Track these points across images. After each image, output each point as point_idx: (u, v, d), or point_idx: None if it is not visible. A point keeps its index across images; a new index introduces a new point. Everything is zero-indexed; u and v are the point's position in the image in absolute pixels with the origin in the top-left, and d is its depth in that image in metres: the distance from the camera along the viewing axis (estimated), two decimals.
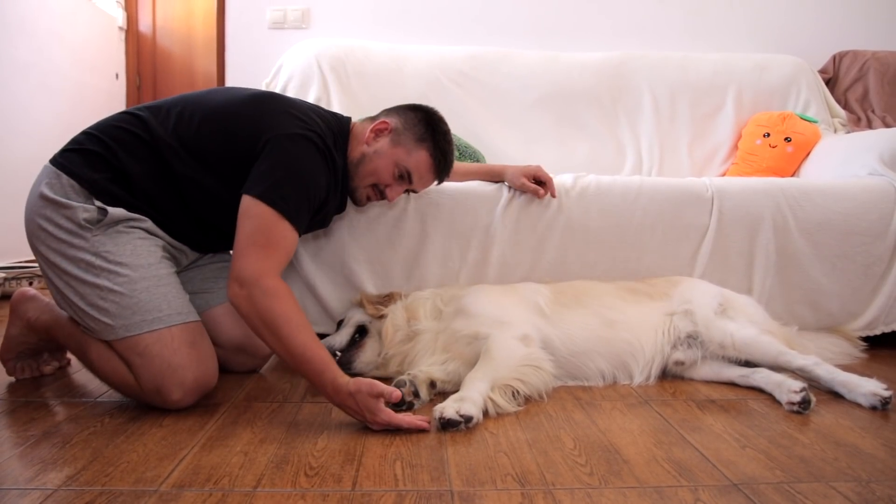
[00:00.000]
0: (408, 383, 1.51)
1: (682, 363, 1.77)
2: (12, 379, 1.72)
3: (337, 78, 2.80)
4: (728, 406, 1.57)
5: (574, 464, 1.22)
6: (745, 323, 1.78)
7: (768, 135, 2.77)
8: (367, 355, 1.77)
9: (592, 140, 2.92)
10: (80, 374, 1.77)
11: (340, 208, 1.77)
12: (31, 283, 2.91)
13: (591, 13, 3.36)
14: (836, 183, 2.18)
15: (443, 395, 1.55)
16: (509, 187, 2.01)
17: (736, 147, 2.92)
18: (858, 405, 1.55)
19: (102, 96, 3.92)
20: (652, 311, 1.82)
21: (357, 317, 1.85)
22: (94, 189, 1.48)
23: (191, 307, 1.53)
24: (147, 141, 1.52)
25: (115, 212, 1.47)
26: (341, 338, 1.81)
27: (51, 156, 1.55)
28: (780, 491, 1.12)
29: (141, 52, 4.24)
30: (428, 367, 1.63)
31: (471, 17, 3.34)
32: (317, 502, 1.06)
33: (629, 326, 1.77)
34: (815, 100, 2.99)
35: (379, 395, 1.33)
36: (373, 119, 1.71)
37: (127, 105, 4.12)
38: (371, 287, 1.99)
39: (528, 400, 1.55)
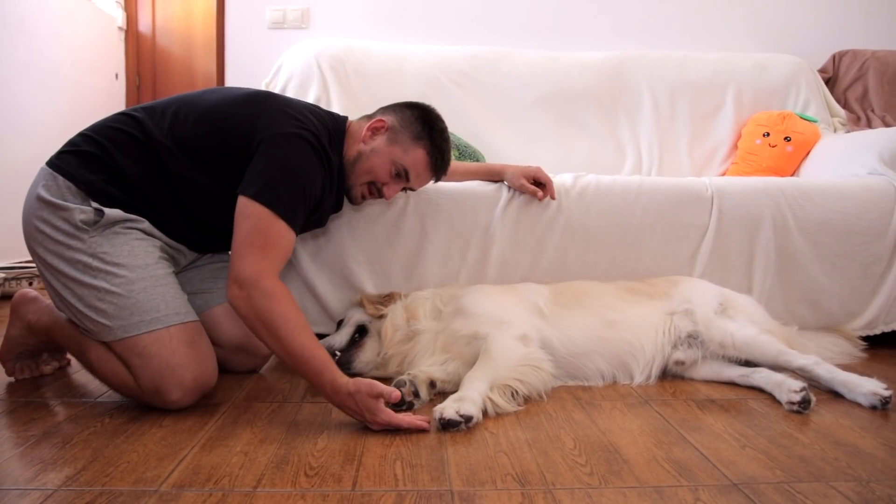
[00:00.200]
0: (407, 383, 1.51)
1: (683, 363, 1.77)
2: (12, 379, 1.72)
3: (337, 78, 2.80)
4: (728, 406, 1.57)
5: (574, 464, 1.22)
6: (745, 322, 1.78)
7: (768, 134, 2.77)
8: (366, 355, 1.77)
9: (592, 140, 2.92)
10: (79, 374, 1.77)
11: (337, 207, 1.77)
12: (31, 284, 2.92)
13: (591, 13, 3.36)
14: (836, 182, 2.18)
15: (442, 394, 1.55)
16: (509, 187, 2.01)
17: (736, 146, 2.92)
18: (858, 405, 1.55)
19: (102, 96, 3.92)
20: (652, 311, 1.82)
21: (357, 316, 1.85)
22: (91, 190, 1.48)
23: (189, 307, 1.53)
24: (143, 142, 1.52)
25: (112, 213, 1.47)
26: (341, 338, 1.81)
27: (49, 157, 1.55)
28: (780, 491, 1.12)
29: (141, 52, 4.23)
30: (428, 366, 1.63)
31: (470, 17, 3.34)
32: (317, 502, 1.06)
33: (629, 326, 1.76)
34: (814, 99, 2.99)
35: (378, 396, 1.33)
36: (369, 117, 1.71)
37: (126, 105, 4.12)
38: (371, 287, 1.99)
39: (527, 400, 1.55)
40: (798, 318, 2.07)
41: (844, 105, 3.15)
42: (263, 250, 1.41)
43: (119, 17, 4.12)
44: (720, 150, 2.94)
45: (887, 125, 3.00)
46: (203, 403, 1.52)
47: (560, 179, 2.05)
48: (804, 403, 1.51)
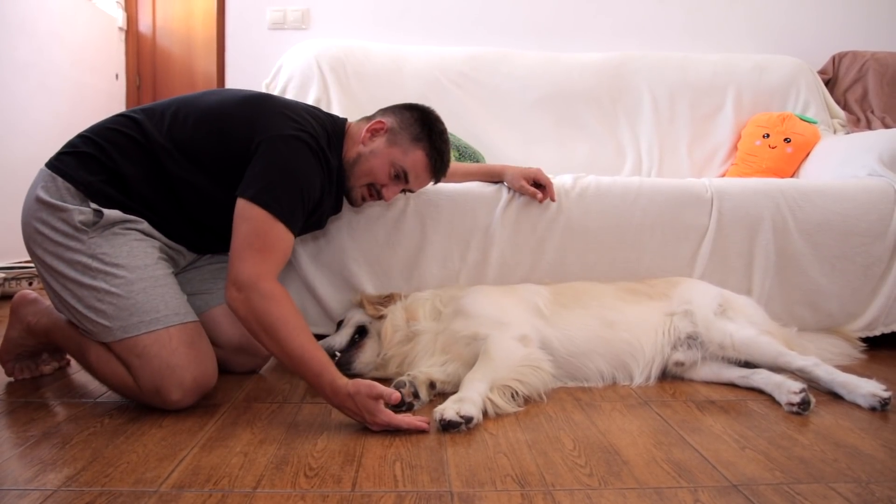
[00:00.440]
0: (407, 384, 1.51)
1: (682, 364, 1.77)
2: (11, 379, 1.72)
3: (337, 78, 2.80)
4: (728, 407, 1.57)
5: (574, 465, 1.22)
6: (744, 324, 1.78)
7: (768, 135, 2.77)
8: (366, 356, 1.77)
9: (592, 141, 2.92)
10: (79, 374, 1.77)
11: (336, 209, 1.77)
12: (30, 284, 2.92)
13: (590, 13, 3.36)
14: (836, 184, 2.18)
15: (442, 395, 1.55)
16: (509, 188, 2.01)
17: (735, 148, 2.92)
18: (858, 406, 1.55)
19: (102, 97, 3.92)
20: (652, 312, 1.82)
21: (357, 317, 1.85)
22: (90, 191, 1.48)
23: (188, 307, 1.53)
24: (142, 143, 1.52)
25: (111, 214, 1.47)
26: (341, 338, 1.81)
27: (49, 158, 1.55)
28: (780, 492, 1.12)
29: (141, 53, 4.24)
30: (427, 367, 1.63)
31: (471, 18, 3.34)
32: (316, 503, 1.06)
33: (629, 327, 1.77)
34: (814, 100, 2.99)
35: (378, 397, 1.33)
36: (369, 119, 1.71)
37: (127, 105, 4.12)
38: (370, 288, 1.99)
39: (527, 401, 1.55)
40: (798, 320, 2.07)
41: (844, 106, 3.15)
42: (262, 252, 1.41)
43: (119, 18, 4.12)
44: (720, 151, 2.94)
45: (887, 126, 3.00)
46: (203, 404, 1.52)
47: (560, 180, 2.05)
48: (804, 405, 1.51)
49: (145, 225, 1.53)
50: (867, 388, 1.56)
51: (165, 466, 1.18)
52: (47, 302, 1.66)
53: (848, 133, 2.93)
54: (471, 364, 1.57)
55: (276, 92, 2.75)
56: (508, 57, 2.99)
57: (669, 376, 1.79)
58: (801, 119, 2.80)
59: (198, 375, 1.46)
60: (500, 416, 1.47)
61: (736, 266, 2.08)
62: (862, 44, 3.31)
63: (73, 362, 1.84)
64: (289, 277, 1.98)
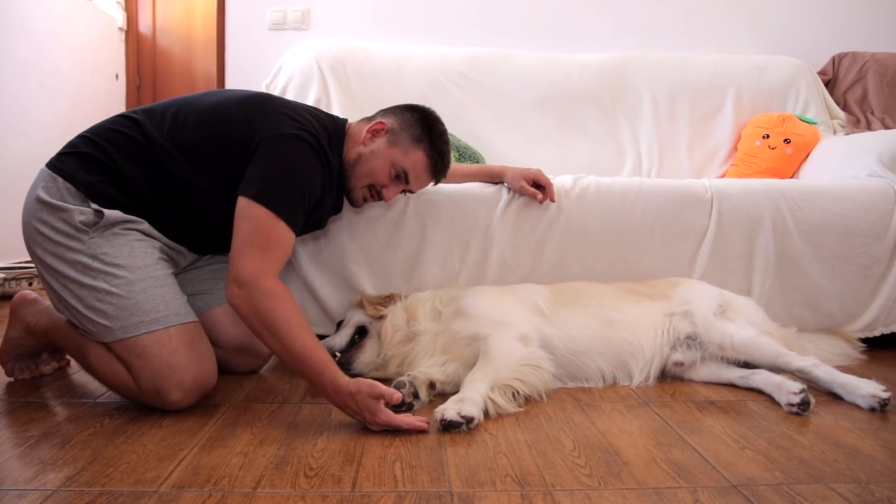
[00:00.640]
0: (407, 384, 1.51)
1: (682, 364, 1.77)
2: (11, 379, 1.72)
3: (337, 79, 2.80)
4: (727, 407, 1.57)
5: (573, 465, 1.22)
6: (744, 324, 1.78)
7: (768, 136, 2.77)
8: (366, 356, 1.77)
9: (592, 141, 2.92)
10: (79, 374, 1.77)
11: (336, 209, 1.77)
12: (30, 284, 2.92)
13: (591, 14, 3.36)
14: (836, 184, 2.18)
15: (442, 395, 1.55)
16: (509, 189, 2.01)
17: (735, 148, 2.92)
18: (857, 406, 1.55)
19: (102, 97, 3.92)
20: (651, 312, 1.82)
21: (357, 317, 1.85)
22: (90, 192, 1.48)
23: (188, 308, 1.53)
24: (142, 143, 1.52)
25: (112, 214, 1.47)
26: (341, 338, 1.81)
27: (49, 158, 1.55)
28: (780, 492, 1.12)
29: (141, 53, 4.24)
30: (427, 368, 1.63)
31: (470, 19, 3.34)
32: (316, 503, 1.06)
33: (629, 326, 1.77)
34: (814, 101, 2.99)
35: (379, 396, 1.33)
36: (369, 119, 1.71)
37: (127, 106, 4.12)
38: (370, 288, 1.99)
39: (527, 401, 1.55)
40: (797, 320, 2.07)
41: (844, 107, 3.16)
42: (263, 251, 1.41)
43: (119, 18, 4.12)
44: (720, 151, 2.94)
45: (887, 127, 3.00)
46: (203, 404, 1.52)
47: (560, 181, 2.05)
48: (803, 405, 1.51)
49: (146, 225, 1.53)
50: (867, 389, 1.56)
51: (165, 466, 1.18)
52: (47, 302, 1.66)
53: (848, 134, 2.93)
54: (471, 364, 1.58)
55: (276, 92, 2.75)
56: (508, 57, 3.00)
57: (669, 376, 1.79)
58: (801, 120, 2.80)
59: (198, 376, 1.46)
60: (500, 416, 1.47)
61: (736, 266, 2.08)
62: (862, 44, 3.31)
63: (72, 362, 1.84)
64: (289, 277, 1.98)
